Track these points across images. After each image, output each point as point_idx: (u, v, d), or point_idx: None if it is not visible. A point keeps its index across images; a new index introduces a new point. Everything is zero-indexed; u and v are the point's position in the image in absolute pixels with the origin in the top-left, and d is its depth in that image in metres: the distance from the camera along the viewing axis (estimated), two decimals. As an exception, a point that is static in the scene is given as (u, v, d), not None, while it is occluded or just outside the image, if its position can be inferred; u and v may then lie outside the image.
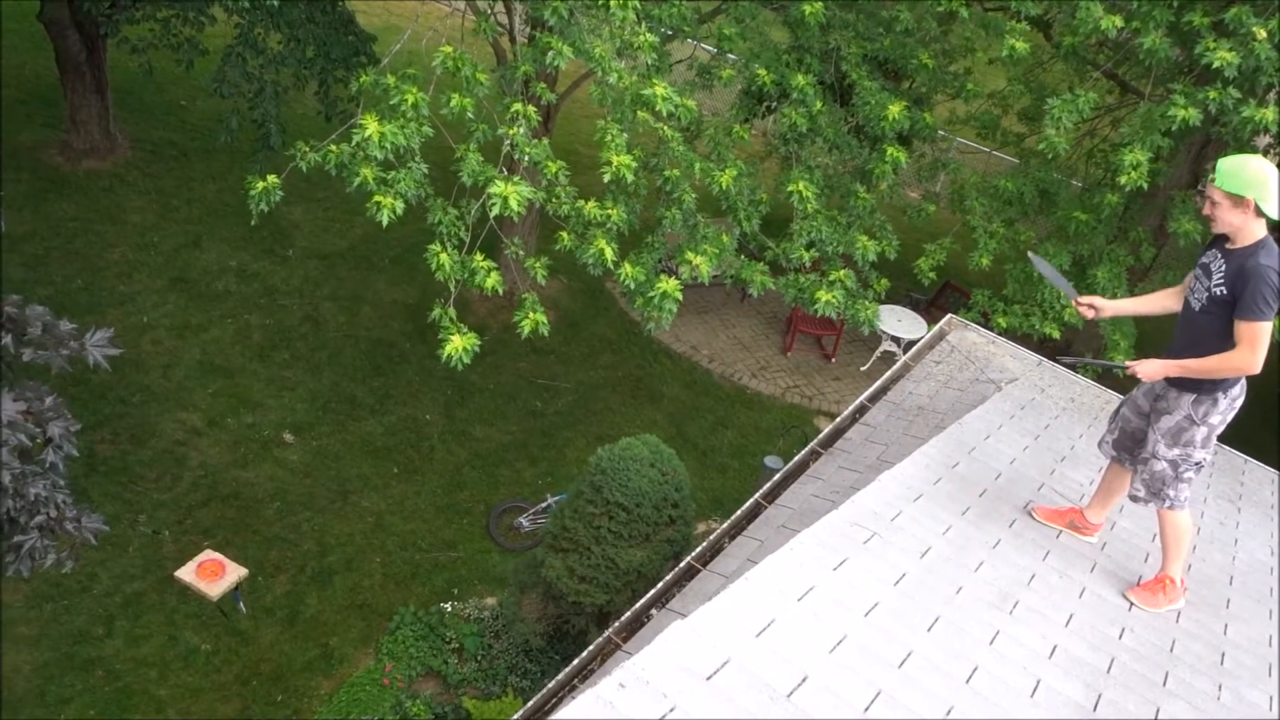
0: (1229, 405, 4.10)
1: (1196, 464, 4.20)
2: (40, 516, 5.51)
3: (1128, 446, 4.49)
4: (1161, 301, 4.45)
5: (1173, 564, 4.35)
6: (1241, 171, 3.82)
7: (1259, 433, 10.75)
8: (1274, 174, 3.82)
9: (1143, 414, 4.39)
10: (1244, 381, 4.11)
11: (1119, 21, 7.46)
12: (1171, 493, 4.24)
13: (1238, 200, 3.82)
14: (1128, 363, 4.18)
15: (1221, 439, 6.40)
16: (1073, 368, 4.70)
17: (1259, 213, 3.82)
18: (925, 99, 9.66)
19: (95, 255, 11.62)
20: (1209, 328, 3.98)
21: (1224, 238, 3.98)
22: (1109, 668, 3.85)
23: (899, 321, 12.74)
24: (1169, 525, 4.30)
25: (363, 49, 10.44)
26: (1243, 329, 3.83)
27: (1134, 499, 4.39)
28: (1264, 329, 3.82)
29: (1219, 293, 3.92)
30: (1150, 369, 4.07)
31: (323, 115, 10.64)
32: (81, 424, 5.96)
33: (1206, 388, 4.06)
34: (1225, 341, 3.91)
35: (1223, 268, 3.92)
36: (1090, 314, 4.38)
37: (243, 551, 8.60)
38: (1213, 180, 3.91)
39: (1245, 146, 9.43)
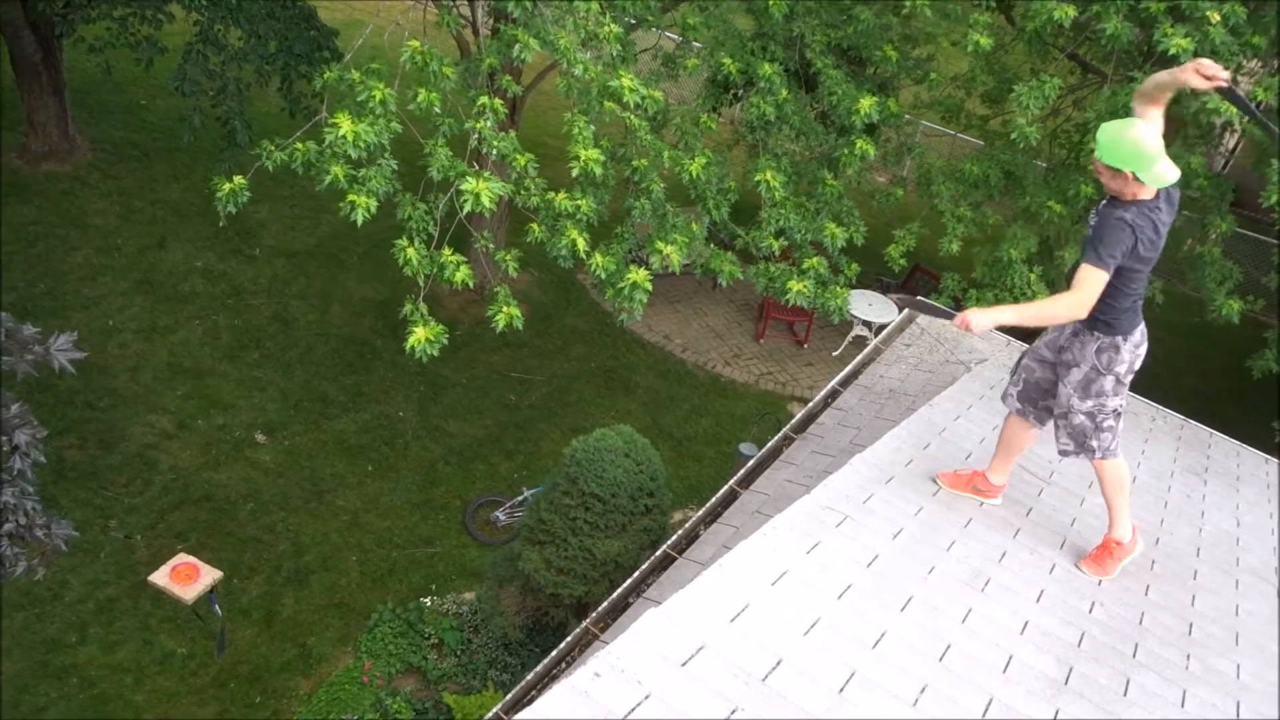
0: (1132, 352, 4.10)
1: (1113, 411, 4.21)
2: (9, 524, 5.46)
3: (1032, 398, 4.46)
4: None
5: (1117, 525, 4.40)
6: (1117, 144, 3.80)
7: (1225, 406, 10.93)
8: (1151, 140, 3.79)
9: (1046, 362, 4.37)
10: (1143, 328, 4.11)
11: (1072, 12, 7.49)
12: (1095, 443, 4.25)
13: (1115, 172, 3.82)
14: (957, 315, 3.96)
15: (1187, 412, 6.50)
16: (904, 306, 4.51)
17: (1139, 181, 3.81)
18: (890, 84, 9.68)
19: (58, 259, 11.46)
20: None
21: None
22: (1080, 642, 3.91)
23: (870, 306, 12.82)
24: (1106, 475, 4.34)
25: (325, 44, 10.35)
26: (1078, 271, 3.83)
27: (1063, 453, 4.39)
28: (1092, 274, 3.77)
29: (1086, 236, 3.96)
30: (978, 320, 3.89)
31: (287, 111, 10.54)
32: (49, 430, 5.90)
33: (1105, 337, 4.06)
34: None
35: (1094, 219, 3.95)
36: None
37: (217, 554, 8.53)
38: (1094, 149, 3.90)
39: (1205, 129, 9.54)
